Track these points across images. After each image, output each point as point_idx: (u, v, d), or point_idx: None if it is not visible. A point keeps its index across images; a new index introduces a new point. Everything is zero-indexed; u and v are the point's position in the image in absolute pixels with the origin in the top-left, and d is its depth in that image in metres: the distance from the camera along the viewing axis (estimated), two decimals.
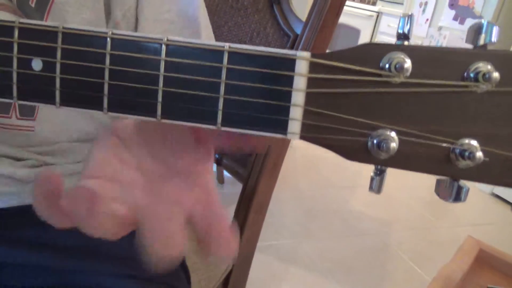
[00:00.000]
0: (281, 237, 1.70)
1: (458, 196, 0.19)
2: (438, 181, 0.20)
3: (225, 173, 1.87)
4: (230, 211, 0.76)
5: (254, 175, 0.72)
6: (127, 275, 0.45)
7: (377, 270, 1.62)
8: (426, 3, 3.08)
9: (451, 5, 2.89)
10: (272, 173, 0.71)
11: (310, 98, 0.19)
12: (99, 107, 0.21)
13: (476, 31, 0.18)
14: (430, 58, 0.18)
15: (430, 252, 1.79)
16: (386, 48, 0.18)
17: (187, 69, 0.20)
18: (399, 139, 0.18)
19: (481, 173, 0.18)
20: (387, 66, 0.18)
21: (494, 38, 0.18)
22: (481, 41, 0.18)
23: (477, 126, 0.18)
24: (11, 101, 0.23)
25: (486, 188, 2.52)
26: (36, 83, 0.23)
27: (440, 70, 0.18)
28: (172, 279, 0.50)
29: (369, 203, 2.13)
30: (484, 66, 0.17)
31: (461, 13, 2.80)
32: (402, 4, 3.34)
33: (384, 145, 0.18)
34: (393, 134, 0.18)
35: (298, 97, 0.19)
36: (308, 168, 2.41)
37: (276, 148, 0.70)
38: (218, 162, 0.80)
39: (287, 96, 0.19)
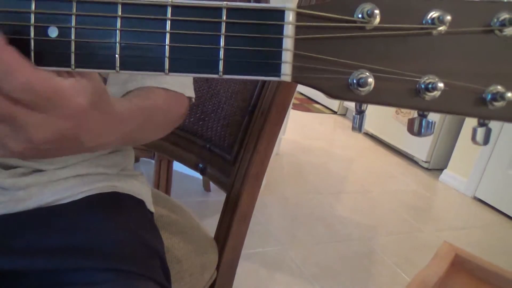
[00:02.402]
0: (266, 244, 1.71)
1: (427, 129, 0.22)
2: (409, 120, 0.23)
3: None
4: (215, 220, 0.77)
5: (237, 184, 0.72)
6: (113, 269, 0.47)
7: (362, 275, 1.64)
8: None
9: None
10: (255, 182, 0.72)
11: (298, 44, 0.22)
12: (112, 67, 0.24)
13: None
14: (395, 7, 0.22)
15: (414, 256, 1.82)
16: None
17: (190, 26, 0.23)
18: (374, 76, 0.22)
19: (444, 104, 0.22)
20: (360, 15, 0.22)
21: None
22: None
23: (437, 62, 0.22)
24: None
25: (469, 192, 2.59)
26: (52, 49, 0.25)
27: (404, 17, 0.22)
28: (157, 276, 0.52)
29: (354, 209, 2.16)
30: (439, 11, 0.21)
31: None
32: None
33: (363, 81, 0.22)
34: (369, 72, 0.22)
35: (288, 43, 0.22)
36: (294, 175, 2.44)
37: (260, 156, 0.70)
38: (202, 172, 0.81)
39: (279, 43, 0.22)
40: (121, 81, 0.53)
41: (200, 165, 0.81)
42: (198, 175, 2.09)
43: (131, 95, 0.50)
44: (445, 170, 2.79)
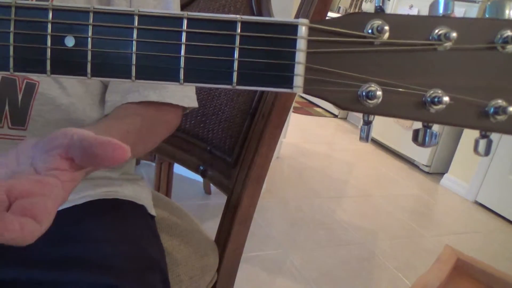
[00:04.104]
0: (267, 248, 1.71)
1: (431, 139, 0.23)
2: (414, 131, 0.24)
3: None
4: (215, 223, 0.77)
5: (238, 187, 0.73)
6: (112, 285, 0.46)
7: (363, 279, 1.64)
8: None
9: None
10: (256, 185, 0.72)
11: (310, 57, 0.23)
12: (128, 76, 0.25)
13: (435, 5, 0.23)
14: (403, 24, 0.23)
15: (415, 261, 1.82)
16: (369, 16, 0.23)
17: (205, 38, 0.23)
18: (383, 89, 0.23)
19: (449, 116, 0.23)
20: (370, 30, 0.23)
21: (450, 10, 0.23)
22: (441, 13, 0.23)
23: (442, 77, 0.23)
24: (44, 75, 0.27)
25: (470, 196, 2.59)
26: (68, 58, 0.26)
27: (411, 33, 0.23)
28: None
29: (355, 213, 2.16)
30: (445, 28, 0.22)
31: None
32: None
33: (372, 93, 0.23)
34: (378, 86, 0.23)
35: (300, 56, 0.23)
36: (294, 179, 2.44)
37: (261, 160, 0.71)
38: (203, 174, 0.82)
39: (292, 56, 0.23)
40: (122, 89, 0.53)
41: (201, 168, 0.81)
42: (198, 178, 2.10)
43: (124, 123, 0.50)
44: (446, 175, 2.80)
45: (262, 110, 0.72)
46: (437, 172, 2.93)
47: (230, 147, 0.77)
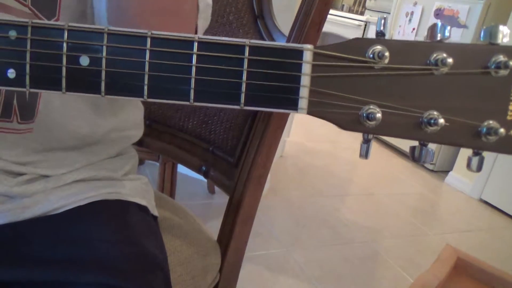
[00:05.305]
0: (270, 246, 1.73)
1: (426, 157, 0.24)
2: (410, 148, 0.26)
3: None
4: (219, 222, 0.77)
5: (239, 187, 0.73)
6: (111, 285, 0.46)
7: (367, 278, 1.65)
8: (412, 13, 3.20)
9: (437, 15, 2.99)
10: (258, 185, 0.73)
11: (314, 81, 0.25)
12: (140, 95, 0.26)
13: (433, 30, 0.24)
14: (402, 49, 0.24)
15: (419, 259, 1.83)
16: (370, 41, 0.25)
17: (215, 61, 0.25)
18: (382, 111, 0.24)
19: (444, 136, 0.24)
20: (371, 55, 0.24)
21: (447, 34, 0.24)
22: (438, 37, 0.24)
23: (439, 99, 0.24)
24: (59, 92, 0.28)
25: (475, 194, 2.59)
26: (83, 77, 0.27)
27: (410, 58, 0.24)
28: None
29: (358, 212, 2.17)
30: (441, 54, 0.24)
31: (446, 22, 2.89)
32: (389, 13, 3.47)
33: (372, 115, 0.24)
34: (377, 108, 0.24)
35: (305, 80, 0.25)
36: (298, 177, 2.45)
37: (262, 160, 0.71)
38: (206, 174, 0.82)
39: (297, 79, 0.25)
40: None
41: (203, 168, 0.82)
42: (202, 178, 2.09)
43: None
44: (450, 173, 2.80)
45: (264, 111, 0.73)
46: (442, 170, 2.93)
47: (232, 148, 0.78)
